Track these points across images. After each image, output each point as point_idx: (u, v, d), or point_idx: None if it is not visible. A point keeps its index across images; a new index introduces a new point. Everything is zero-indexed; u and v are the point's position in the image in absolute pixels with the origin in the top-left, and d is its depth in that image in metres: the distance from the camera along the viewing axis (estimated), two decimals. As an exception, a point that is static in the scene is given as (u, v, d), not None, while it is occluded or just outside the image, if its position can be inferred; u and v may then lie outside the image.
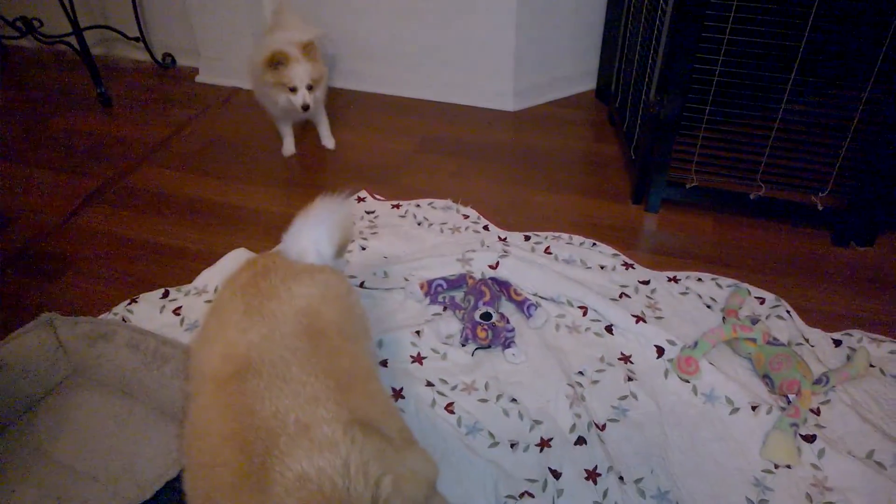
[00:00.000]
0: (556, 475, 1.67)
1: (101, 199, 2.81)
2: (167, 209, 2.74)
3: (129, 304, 2.22)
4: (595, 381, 1.92)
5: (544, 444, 1.75)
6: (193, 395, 1.27)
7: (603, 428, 1.80)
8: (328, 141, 3.13)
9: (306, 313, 1.35)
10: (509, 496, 1.63)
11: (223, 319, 1.35)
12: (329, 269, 1.57)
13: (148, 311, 2.20)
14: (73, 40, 3.47)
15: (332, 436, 1.03)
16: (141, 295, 2.26)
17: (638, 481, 1.66)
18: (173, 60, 4.02)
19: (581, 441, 1.74)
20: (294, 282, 1.42)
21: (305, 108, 2.73)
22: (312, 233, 1.60)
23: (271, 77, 2.68)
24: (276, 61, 2.63)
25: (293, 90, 2.70)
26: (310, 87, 2.71)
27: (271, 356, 1.21)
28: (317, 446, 1.01)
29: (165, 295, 2.27)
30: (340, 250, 1.74)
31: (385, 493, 0.96)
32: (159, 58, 3.99)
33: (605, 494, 1.62)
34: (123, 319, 2.16)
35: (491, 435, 1.78)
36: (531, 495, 1.63)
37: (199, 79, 3.83)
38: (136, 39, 3.92)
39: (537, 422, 1.81)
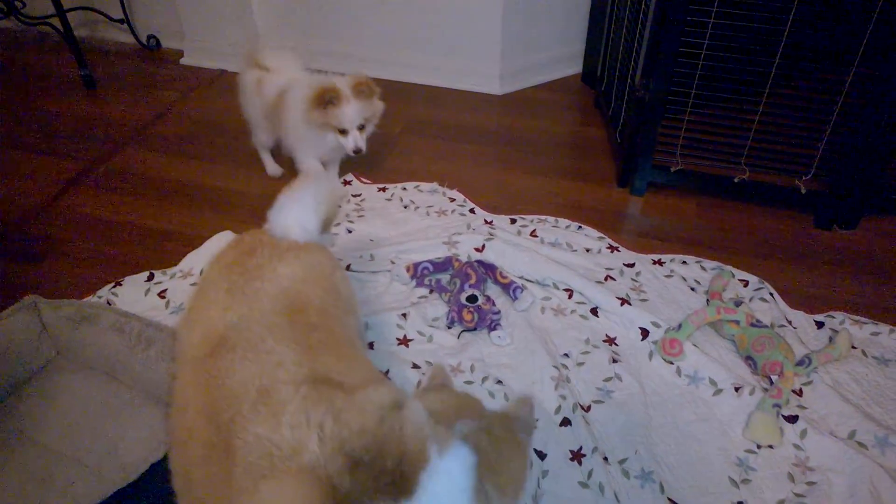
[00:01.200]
0: (542, 456, 1.68)
1: (85, 181, 2.80)
2: (152, 192, 2.72)
3: (114, 286, 2.21)
4: (580, 363, 1.93)
5: (529, 425, 1.76)
6: (177, 375, 1.28)
7: (588, 409, 1.81)
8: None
9: (287, 294, 1.35)
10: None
11: (207, 298, 1.36)
12: (316, 247, 1.57)
13: (133, 294, 2.19)
14: (56, 21, 3.42)
15: (286, 395, 1.06)
16: (126, 278, 2.25)
17: (622, 462, 1.67)
18: (158, 42, 3.99)
19: (566, 422, 1.75)
20: (279, 261, 1.42)
21: (357, 151, 2.43)
22: (297, 208, 1.60)
23: (319, 117, 2.35)
24: (327, 100, 2.32)
25: (343, 132, 2.40)
26: (361, 128, 2.42)
27: (248, 333, 1.22)
28: (272, 407, 1.04)
29: (150, 278, 2.26)
30: (326, 225, 1.74)
31: (328, 431, 0.97)
32: (143, 40, 3.95)
33: (589, 475, 1.63)
34: (108, 302, 2.15)
35: (476, 416, 1.79)
36: (516, 476, 1.64)
37: (183, 61, 3.80)
38: (121, 21, 3.88)
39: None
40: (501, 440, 1.07)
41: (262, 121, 2.67)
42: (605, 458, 1.67)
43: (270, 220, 1.58)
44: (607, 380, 1.88)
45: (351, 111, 2.34)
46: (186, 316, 1.39)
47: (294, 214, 1.58)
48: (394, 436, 0.97)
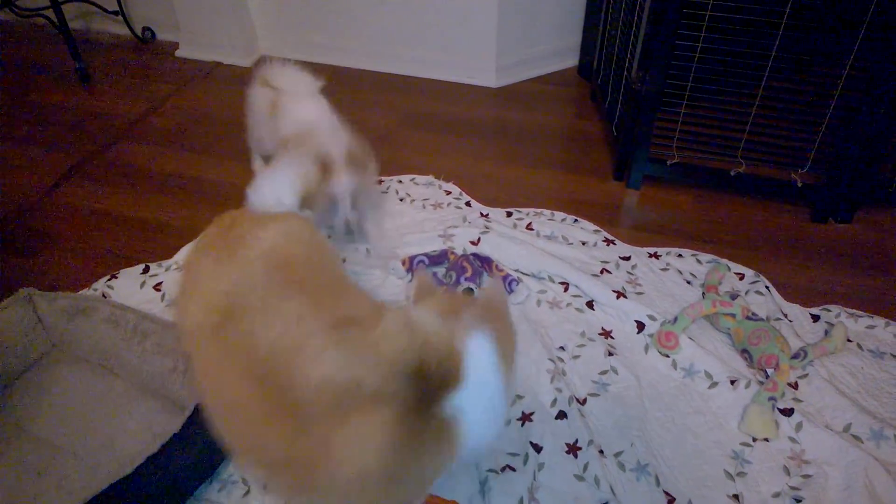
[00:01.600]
0: (538, 449, 1.68)
1: (80, 174, 2.79)
2: (147, 184, 2.72)
3: (110, 279, 2.21)
4: (576, 356, 1.93)
5: (525, 418, 1.76)
6: (190, 352, 1.31)
7: (584, 402, 1.81)
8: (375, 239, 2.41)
9: (272, 253, 1.40)
10: (490, 470, 1.64)
11: (197, 274, 1.39)
12: (294, 215, 1.61)
13: (128, 287, 2.19)
14: (50, 14, 3.41)
15: (321, 342, 1.15)
16: (121, 270, 2.25)
17: (618, 455, 1.67)
18: (153, 34, 3.97)
19: (562, 415, 1.75)
20: (260, 228, 1.46)
21: (347, 227, 2.21)
22: (273, 183, 1.66)
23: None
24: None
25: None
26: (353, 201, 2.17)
27: (252, 296, 1.27)
28: (314, 356, 1.12)
29: (146, 270, 2.25)
30: (307, 202, 1.75)
31: (376, 361, 1.10)
32: (138, 32, 3.94)
33: (585, 468, 1.63)
34: (104, 295, 2.15)
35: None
36: (512, 469, 1.64)
37: (179, 53, 3.79)
38: (115, 13, 3.87)
39: (519, 396, 1.81)
40: (497, 319, 1.29)
41: (266, 145, 2.48)
42: (601, 451, 1.67)
43: (249, 196, 1.62)
44: (603, 373, 1.89)
45: (343, 184, 2.10)
46: (181, 294, 1.42)
47: (271, 189, 1.63)
48: (428, 344, 1.13)
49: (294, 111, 2.32)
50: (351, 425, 1.06)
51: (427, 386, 1.10)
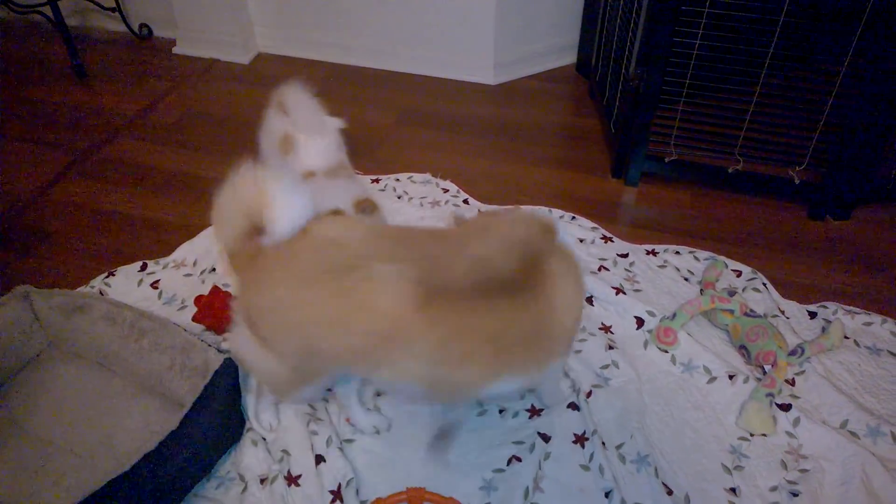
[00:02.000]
0: (546, 439, 1.70)
1: (77, 171, 2.78)
2: (145, 181, 2.71)
3: (107, 277, 2.21)
4: (577, 350, 1.94)
5: (534, 412, 1.78)
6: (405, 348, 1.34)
7: (589, 395, 1.81)
8: None
9: (365, 231, 1.43)
10: (497, 470, 1.65)
11: (337, 301, 1.32)
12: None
13: (126, 285, 2.18)
14: (47, 10, 3.40)
15: (501, 246, 1.40)
16: (119, 268, 2.24)
17: (619, 447, 1.68)
18: (150, 31, 3.97)
19: (573, 406, 1.78)
20: (317, 231, 1.41)
21: None
22: (297, 195, 1.46)
23: None
24: None
25: None
26: None
27: (421, 263, 1.35)
28: (507, 257, 1.38)
29: (143, 268, 2.25)
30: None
31: (528, 240, 1.43)
32: (136, 28, 3.93)
33: (591, 457, 1.65)
34: (101, 292, 2.14)
35: (478, 402, 1.81)
36: (518, 459, 1.66)
37: (176, 50, 3.78)
38: (112, 10, 3.86)
39: (530, 391, 1.83)
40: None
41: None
42: (603, 443, 1.68)
43: (277, 228, 1.43)
44: (604, 367, 1.89)
45: None
46: (329, 330, 1.35)
47: (298, 209, 1.45)
48: (520, 224, 1.48)
49: (306, 155, 2.14)
50: (557, 284, 1.39)
51: (548, 238, 1.45)
